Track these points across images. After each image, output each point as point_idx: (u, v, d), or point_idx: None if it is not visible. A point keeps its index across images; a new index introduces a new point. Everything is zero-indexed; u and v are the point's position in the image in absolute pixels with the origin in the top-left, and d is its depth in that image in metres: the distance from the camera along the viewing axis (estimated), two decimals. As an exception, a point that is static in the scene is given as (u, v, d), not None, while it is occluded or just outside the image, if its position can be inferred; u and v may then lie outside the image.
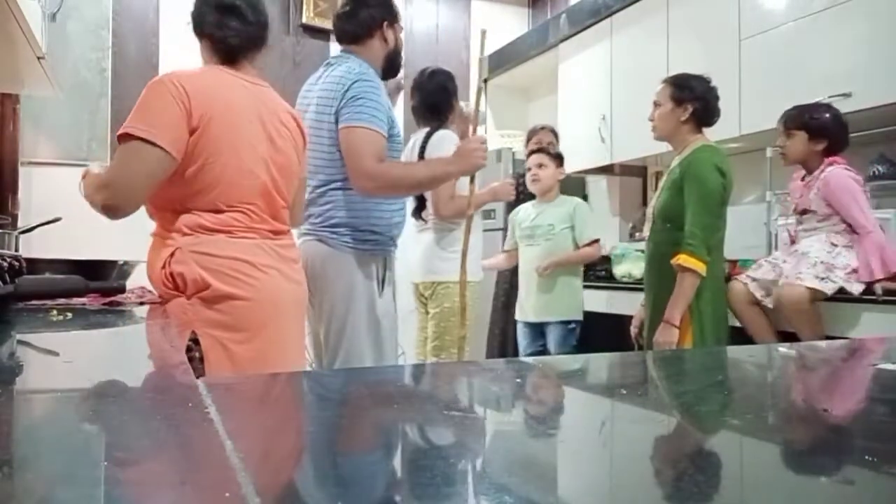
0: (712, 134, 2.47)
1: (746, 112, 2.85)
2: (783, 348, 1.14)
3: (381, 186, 1.94)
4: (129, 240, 2.07)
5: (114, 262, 1.53)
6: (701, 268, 2.20)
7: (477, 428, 0.58)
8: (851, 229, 2.24)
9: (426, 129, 2.65)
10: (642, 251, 3.09)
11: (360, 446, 0.51)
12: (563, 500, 0.40)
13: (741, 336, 2.36)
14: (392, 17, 2.12)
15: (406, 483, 0.42)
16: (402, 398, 0.71)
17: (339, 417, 0.61)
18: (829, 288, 2.14)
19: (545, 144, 3.32)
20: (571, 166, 3.94)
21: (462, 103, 2.87)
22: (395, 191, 2.05)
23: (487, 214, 3.85)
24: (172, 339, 0.99)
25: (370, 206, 2.03)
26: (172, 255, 1.44)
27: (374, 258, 2.05)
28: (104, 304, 1.38)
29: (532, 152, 3.18)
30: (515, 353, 3.25)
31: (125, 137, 1.41)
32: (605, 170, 3.94)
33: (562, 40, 4.05)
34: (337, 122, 1.94)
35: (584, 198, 4.32)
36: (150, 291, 1.58)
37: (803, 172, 2.40)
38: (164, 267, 1.44)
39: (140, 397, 0.63)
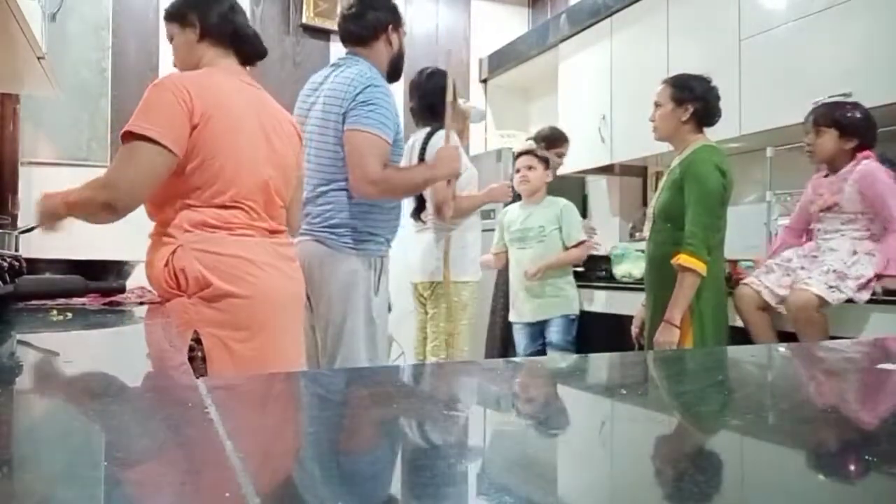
0: (712, 134, 2.47)
1: (746, 112, 2.85)
2: (783, 348, 1.14)
3: (382, 191, 1.97)
4: (129, 240, 2.07)
5: (114, 262, 1.53)
6: (701, 268, 2.20)
7: (477, 428, 0.58)
8: (872, 229, 2.20)
9: (426, 130, 2.64)
10: (642, 251, 3.09)
11: (359, 446, 0.51)
12: (563, 500, 0.40)
13: (741, 336, 2.36)
14: (397, 21, 2.15)
15: (406, 483, 0.42)
16: (402, 398, 0.71)
17: (339, 417, 0.61)
18: (835, 298, 2.10)
19: (536, 147, 3.34)
20: (571, 166, 3.95)
21: (461, 100, 2.87)
22: (393, 195, 2.09)
23: (486, 214, 3.84)
24: (172, 339, 0.99)
25: (371, 208, 2.04)
26: (174, 252, 1.44)
27: (372, 260, 2.07)
28: (104, 304, 1.38)
29: (520, 154, 3.19)
30: (514, 354, 3.25)
31: (127, 137, 1.42)
32: (605, 170, 3.94)
33: (562, 40, 4.05)
34: (344, 122, 1.96)
35: (584, 197, 4.34)
36: (150, 291, 1.58)
37: (825, 170, 2.36)
38: (166, 265, 1.44)
39: (140, 397, 0.63)
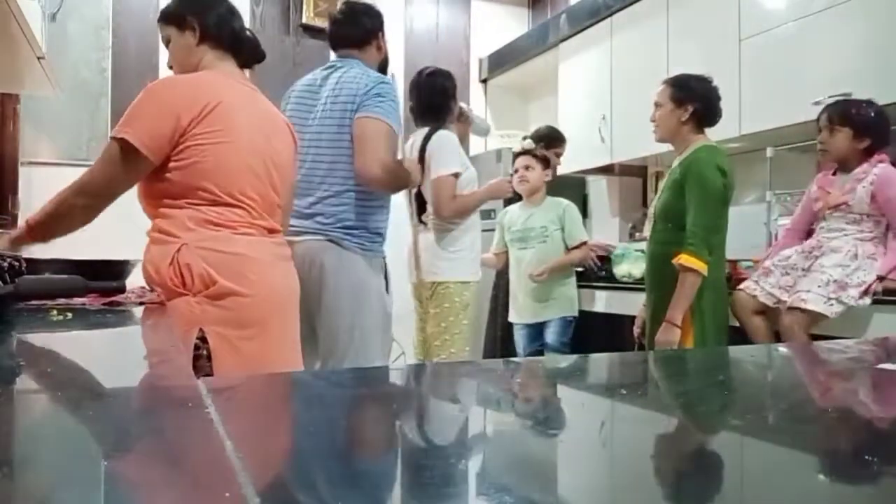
0: (712, 134, 2.47)
1: (746, 112, 2.85)
2: (783, 348, 1.14)
3: (388, 179, 2.00)
4: (129, 240, 2.07)
5: (114, 262, 1.53)
6: (702, 267, 2.19)
7: (477, 428, 0.58)
8: (876, 232, 2.19)
9: (425, 130, 2.64)
10: (642, 251, 3.09)
11: (359, 446, 0.51)
12: (563, 500, 0.40)
13: (741, 336, 2.36)
14: (383, 27, 2.21)
15: (406, 483, 0.42)
16: (401, 398, 0.71)
17: (339, 417, 0.61)
18: (833, 311, 2.09)
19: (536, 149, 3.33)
20: (571, 166, 3.95)
21: (462, 104, 2.86)
22: (394, 186, 2.11)
23: (486, 214, 3.84)
24: (173, 339, 0.99)
25: (379, 209, 2.11)
26: (179, 250, 1.44)
27: (379, 259, 2.14)
28: (104, 304, 1.38)
29: (518, 154, 3.19)
30: (513, 354, 3.25)
31: (111, 139, 1.47)
32: (605, 170, 3.94)
33: (562, 40, 4.05)
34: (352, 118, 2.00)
35: (584, 198, 4.33)
36: (150, 291, 1.58)
37: (833, 168, 2.34)
38: (171, 263, 1.44)
39: (140, 397, 0.63)
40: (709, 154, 2.28)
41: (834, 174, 2.34)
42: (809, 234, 2.43)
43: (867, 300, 2.11)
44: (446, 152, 2.55)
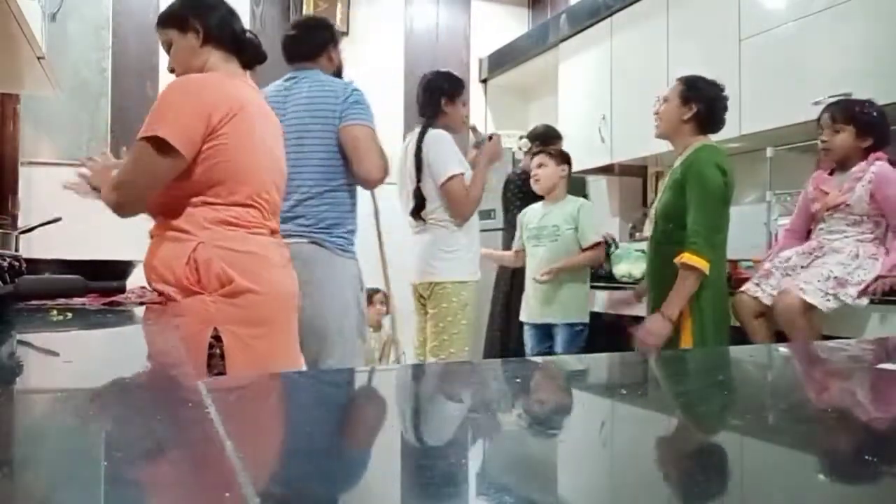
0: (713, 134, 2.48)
1: (746, 112, 2.85)
2: (783, 348, 1.14)
3: (384, 178, 2.15)
4: (129, 240, 2.07)
5: (113, 262, 1.53)
6: (704, 266, 2.19)
7: (477, 428, 0.58)
8: (877, 233, 2.18)
9: (419, 129, 2.64)
10: (642, 251, 3.09)
11: (359, 446, 0.51)
12: (563, 500, 0.40)
13: (742, 336, 2.36)
14: (336, 39, 2.32)
15: (406, 483, 0.42)
16: (401, 398, 0.71)
17: (339, 417, 0.61)
18: (829, 307, 2.09)
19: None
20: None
21: (472, 128, 2.82)
22: (382, 183, 2.23)
23: (486, 215, 3.84)
24: (173, 338, 0.99)
25: (353, 208, 2.22)
26: (195, 249, 1.44)
27: (355, 260, 2.22)
28: (104, 304, 1.38)
29: (534, 154, 3.17)
30: (516, 354, 3.24)
31: (140, 139, 1.45)
32: (605, 170, 3.94)
33: (562, 40, 4.05)
34: (336, 124, 2.10)
35: (584, 198, 4.32)
36: (150, 291, 1.58)
37: (829, 168, 2.33)
38: (188, 261, 1.44)
39: (140, 397, 0.63)
40: (709, 153, 2.28)
41: (831, 174, 2.33)
42: (809, 234, 2.43)
43: (864, 300, 2.11)
44: (444, 154, 2.55)
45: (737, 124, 2.87)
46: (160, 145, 1.41)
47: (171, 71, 1.66)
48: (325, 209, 2.12)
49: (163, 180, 1.45)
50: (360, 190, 2.27)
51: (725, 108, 2.37)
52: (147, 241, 1.57)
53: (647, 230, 2.53)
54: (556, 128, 3.62)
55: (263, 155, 1.56)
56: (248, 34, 1.68)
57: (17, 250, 1.73)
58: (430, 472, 0.42)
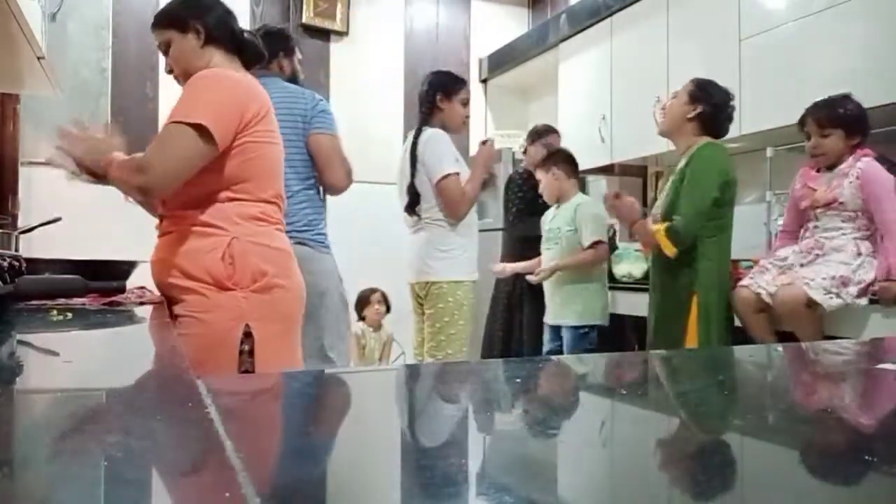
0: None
1: (746, 112, 2.84)
2: (783, 348, 1.14)
3: (349, 185, 2.29)
4: (129, 240, 2.07)
5: (113, 262, 1.53)
6: (670, 250, 2.26)
7: (477, 428, 0.58)
8: (871, 229, 2.18)
9: (416, 128, 2.65)
10: (642, 251, 3.09)
11: (359, 446, 0.51)
12: (563, 500, 0.40)
13: (743, 335, 2.36)
14: (288, 49, 2.39)
15: (406, 483, 0.42)
16: (401, 398, 0.71)
17: (339, 417, 0.61)
18: (831, 305, 2.09)
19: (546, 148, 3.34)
20: (571, 166, 3.94)
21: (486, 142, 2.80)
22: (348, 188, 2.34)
23: (485, 215, 3.85)
24: (173, 338, 0.99)
25: (323, 208, 2.32)
26: (230, 244, 1.43)
27: (332, 256, 2.31)
28: (104, 304, 1.38)
29: (537, 161, 3.19)
30: (519, 355, 3.24)
31: (173, 123, 1.40)
32: (605, 170, 3.94)
33: (562, 40, 4.05)
34: (306, 128, 2.21)
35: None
36: (150, 291, 1.58)
37: (815, 165, 2.33)
38: (222, 256, 1.42)
39: (140, 397, 0.63)
40: (710, 150, 2.30)
41: (818, 171, 2.33)
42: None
43: (864, 300, 2.11)
44: (439, 154, 2.54)
45: (737, 124, 2.86)
46: (200, 133, 1.39)
47: (170, 72, 1.64)
48: (303, 207, 2.21)
49: (195, 169, 1.41)
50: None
51: (730, 118, 2.40)
52: (149, 239, 1.56)
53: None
54: (551, 125, 3.61)
55: (280, 155, 1.59)
56: (246, 34, 1.68)
57: (17, 250, 1.73)
58: (430, 472, 0.42)
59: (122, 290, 1.45)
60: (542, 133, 3.45)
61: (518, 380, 0.79)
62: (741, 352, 1.21)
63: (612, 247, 3.31)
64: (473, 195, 2.57)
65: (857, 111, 2.23)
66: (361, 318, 4.00)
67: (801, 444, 0.53)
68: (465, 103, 2.69)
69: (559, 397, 0.74)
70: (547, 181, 3.08)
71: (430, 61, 4.42)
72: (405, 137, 2.78)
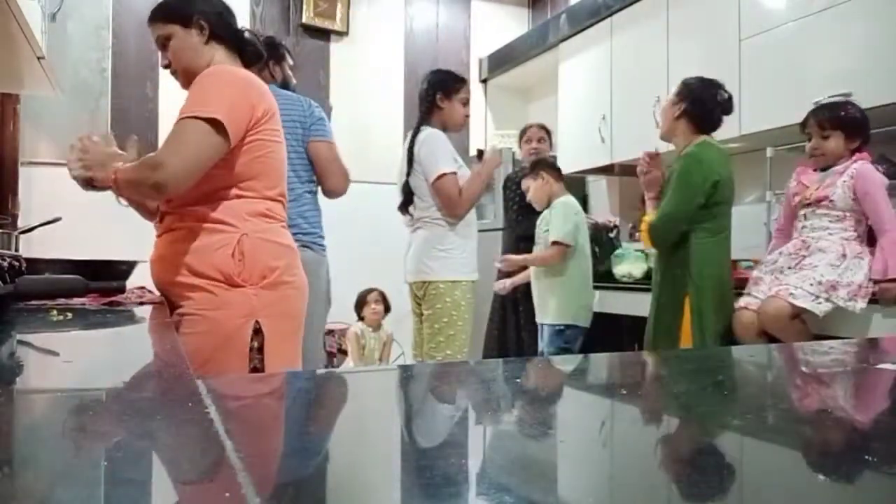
0: (713, 133, 2.48)
1: (746, 112, 2.85)
2: (783, 349, 1.14)
3: (347, 190, 2.36)
4: (129, 240, 2.07)
5: (113, 262, 1.53)
6: (646, 245, 2.42)
7: (477, 428, 0.58)
8: (859, 231, 2.18)
9: (414, 127, 2.64)
10: (642, 251, 3.09)
11: (359, 446, 0.51)
12: (563, 500, 0.40)
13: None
14: (278, 57, 2.46)
15: (406, 483, 0.42)
16: (400, 398, 0.71)
17: (339, 417, 0.61)
18: (822, 309, 2.09)
19: (534, 145, 3.42)
20: (571, 166, 3.95)
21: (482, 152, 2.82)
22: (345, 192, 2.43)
23: (484, 215, 3.85)
24: (173, 338, 0.99)
25: (319, 210, 2.39)
26: (240, 240, 1.42)
27: (326, 256, 2.40)
28: (104, 304, 1.38)
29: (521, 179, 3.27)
30: (513, 355, 3.25)
31: (187, 118, 1.39)
32: (605, 170, 3.94)
33: (562, 40, 4.05)
34: (306, 135, 2.29)
35: (584, 198, 4.33)
36: (150, 291, 1.58)
37: (813, 165, 2.34)
38: (233, 253, 1.41)
39: (140, 397, 0.63)
40: (699, 150, 2.31)
41: (815, 170, 2.34)
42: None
43: (858, 303, 2.10)
44: (436, 153, 2.53)
45: (737, 124, 2.87)
46: (215, 127, 1.37)
47: (167, 67, 1.59)
48: (307, 209, 2.30)
49: (209, 164, 1.40)
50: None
51: (721, 107, 2.37)
52: (149, 239, 1.56)
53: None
54: (543, 124, 3.63)
55: (285, 155, 1.59)
56: (246, 32, 1.66)
57: (17, 250, 1.73)
58: (430, 472, 0.42)
59: (122, 290, 1.45)
60: (524, 132, 3.53)
61: (518, 379, 0.79)
62: (741, 352, 1.21)
63: (613, 246, 3.32)
64: (473, 195, 2.57)
65: (858, 115, 2.24)
66: (361, 318, 4.00)
67: (801, 444, 0.53)
68: (466, 102, 2.69)
69: (559, 397, 0.74)
70: (536, 186, 3.13)
71: (430, 61, 4.42)
72: (405, 137, 2.78)
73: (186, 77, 1.53)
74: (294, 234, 2.17)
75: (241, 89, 1.46)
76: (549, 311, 3.04)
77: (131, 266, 1.58)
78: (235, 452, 0.41)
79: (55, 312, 1.18)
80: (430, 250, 2.55)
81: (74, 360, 0.84)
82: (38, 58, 2.39)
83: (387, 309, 4.02)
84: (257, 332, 1.42)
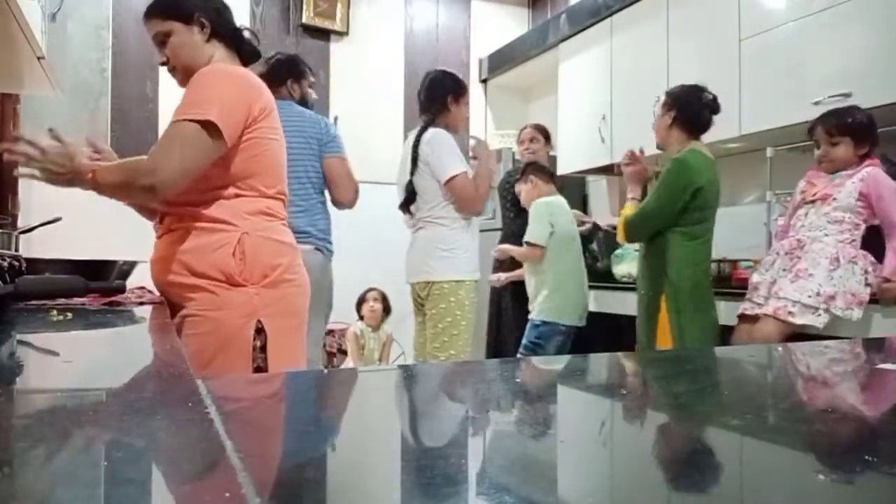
0: (713, 133, 2.49)
1: (746, 112, 2.85)
2: (782, 348, 1.14)
3: (356, 201, 2.59)
4: (129, 240, 2.07)
5: (114, 262, 1.53)
6: (619, 236, 2.54)
7: (477, 428, 0.58)
8: (855, 235, 2.18)
9: (419, 127, 2.64)
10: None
11: (359, 446, 0.51)
12: (563, 500, 0.40)
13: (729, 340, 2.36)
14: (297, 75, 2.62)
15: (406, 483, 0.42)
16: (401, 398, 0.71)
17: (339, 417, 0.61)
18: (822, 321, 2.09)
19: (528, 146, 3.45)
20: (571, 166, 3.95)
21: (472, 140, 2.84)
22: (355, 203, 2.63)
23: (482, 214, 3.84)
24: (172, 338, 0.99)
25: (328, 216, 2.58)
26: (240, 239, 1.42)
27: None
28: (104, 304, 1.38)
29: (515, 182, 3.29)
30: (502, 354, 3.26)
31: (181, 121, 1.38)
32: (605, 170, 3.94)
33: (562, 40, 4.05)
34: (322, 149, 2.51)
35: (584, 198, 4.33)
36: (150, 291, 1.58)
37: (823, 171, 2.34)
38: (234, 252, 1.41)
39: (140, 397, 0.63)
40: (684, 156, 2.38)
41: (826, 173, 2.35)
42: None
43: (855, 311, 2.10)
44: (447, 153, 2.54)
45: (737, 124, 2.87)
46: (209, 129, 1.37)
47: (164, 64, 1.57)
48: (318, 217, 2.50)
49: (204, 166, 1.39)
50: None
51: (708, 108, 2.45)
52: (149, 239, 1.56)
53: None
54: (539, 124, 3.63)
55: (284, 152, 1.58)
56: (245, 31, 1.65)
57: (17, 250, 1.73)
58: (430, 472, 0.42)
59: (122, 290, 1.44)
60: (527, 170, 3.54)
61: (518, 379, 0.79)
62: (741, 352, 1.21)
63: (614, 246, 3.31)
64: (486, 191, 2.64)
65: (866, 121, 2.25)
66: (360, 318, 4.01)
67: (801, 444, 0.53)
68: (467, 105, 2.77)
69: (559, 397, 0.74)
70: (526, 190, 3.17)
71: (430, 61, 4.42)
72: (405, 137, 2.78)
73: (185, 75, 1.52)
74: (307, 238, 2.33)
75: (237, 88, 1.45)
76: (532, 306, 3.09)
77: (131, 266, 1.58)
78: (235, 452, 0.41)
79: (55, 312, 1.18)
80: (434, 250, 2.55)
81: (74, 360, 0.84)
82: (38, 58, 2.39)
83: (386, 310, 4.02)
84: (260, 331, 1.42)
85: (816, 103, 2.48)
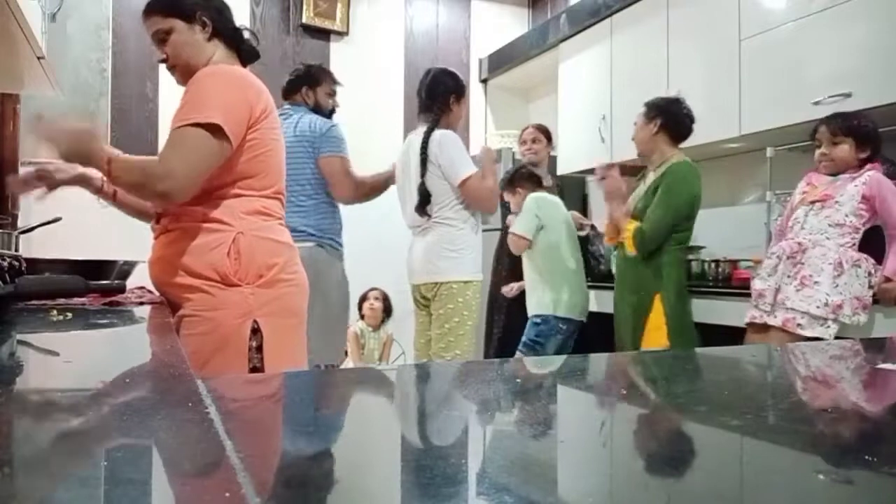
0: (713, 133, 2.50)
1: (746, 112, 2.85)
2: (782, 348, 1.14)
3: (356, 198, 2.62)
4: (129, 240, 2.07)
5: (114, 262, 1.53)
6: (631, 250, 2.59)
7: (477, 428, 0.58)
8: (856, 238, 2.19)
9: (423, 128, 2.61)
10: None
11: (359, 446, 0.51)
12: (563, 500, 0.40)
13: (733, 336, 2.36)
14: (312, 82, 2.72)
15: (406, 483, 0.42)
16: (401, 398, 0.71)
17: (339, 417, 0.61)
18: (833, 331, 2.09)
19: (528, 149, 3.45)
20: (571, 166, 3.95)
21: (478, 152, 2.84)
22: (362, 198, 2.69)
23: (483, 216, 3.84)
24: (172, 338, 0.99)
25: (336, 212, 2.64)
26: (235, 239, 1.42)
27: (342, 260, 2.63)
28: (104, 304, 1.38)
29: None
30: (507, 354, 3.26)
31: (188, 125, 1.37)
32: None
33: (562, 40, 4.05)
34: (318, 151, 2.54)
35: (584, 198, 4.33)
36: (150, 291, 1.57)
37: (823, 172, 2.34)
38: (229, 252, 1.41)
39: (140, 397, 0.63)
40: (685, 169, 2.54)
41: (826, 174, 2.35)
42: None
43: (861, 316, 2.10)
44: (458, 155, 2.55)
45: (737, 124, 2.87)
46: (215, 132, 1.37)
47: (163, 61, 1.55)
48: (321, 217, 2.54)
49: (215, 168, 1.40)
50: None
51: (689, 117, 2.62)
52: (149, 240, 1.56)
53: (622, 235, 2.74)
54: (541, 124, 3.62)
55: (283, 151, 1.58)
56: (245, 30, 1.65)
57: (17, 250, 1.73)
58: (430, 472, 0.42)
59: (122, 290, 1.44)
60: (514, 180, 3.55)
61: (519, 379, 0.79)
62: (741, 352, 1.21)
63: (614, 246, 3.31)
64: (496, 189, 2.70)
65: (869, 125, 2.25)
66: (361, 317, 4.01)
67: (801, 444, 0.53)
68: (466, 105, 2.80)
69: (559, 397, 0.74)
70: (515, 202, 3.18)
71: (430, 61, 4.42)
72: (405, 137, 2.77)
73: (185, 73, 1.51)
74: (308, 235, 2.39)
75: (238, 89, 1.45)
76: (529, 301, 3.11)
77: (131, 266, 1.57)
78: (235, 452, 0.41)
79: (55, 312, 1.18)
80: (442, 251, 2.55)
81: (74, 360, 0.84)
82: (38, 58, 2.38)
83: (387, 310, 4.03)
84: (256, 331, 1.42)
85: (816, 103, 2.48)
